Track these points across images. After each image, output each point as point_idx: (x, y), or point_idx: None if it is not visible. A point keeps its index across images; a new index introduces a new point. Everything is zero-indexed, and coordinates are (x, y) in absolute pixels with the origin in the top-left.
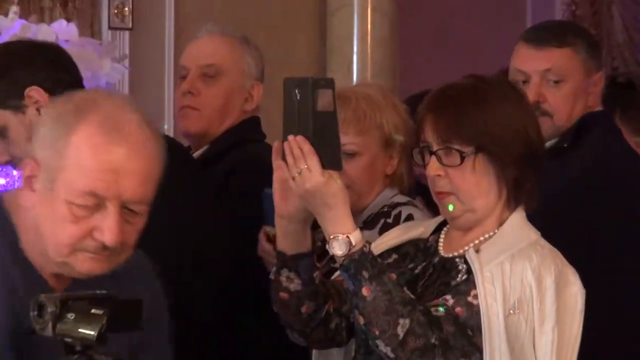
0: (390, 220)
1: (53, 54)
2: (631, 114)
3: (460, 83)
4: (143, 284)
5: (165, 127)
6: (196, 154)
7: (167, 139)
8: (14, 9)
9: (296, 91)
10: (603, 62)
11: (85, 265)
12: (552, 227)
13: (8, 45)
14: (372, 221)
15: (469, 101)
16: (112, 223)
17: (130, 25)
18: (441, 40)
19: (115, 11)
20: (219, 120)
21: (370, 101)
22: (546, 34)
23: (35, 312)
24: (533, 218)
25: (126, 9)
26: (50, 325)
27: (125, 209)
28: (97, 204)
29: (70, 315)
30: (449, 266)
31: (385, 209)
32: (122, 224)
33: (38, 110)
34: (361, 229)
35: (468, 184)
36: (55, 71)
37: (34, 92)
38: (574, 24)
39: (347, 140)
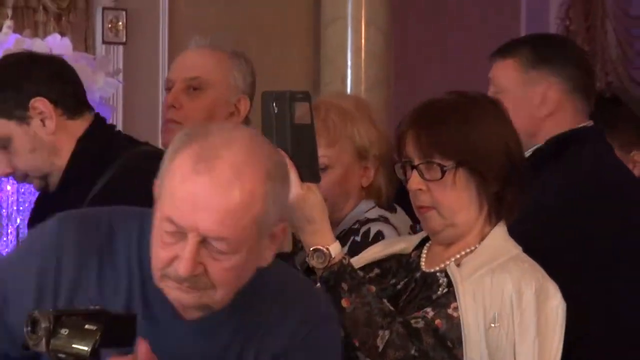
0: (358, 239)
1: (58, 66)
2: (619, 129)
3: (442, 99)
4: (282, 326)
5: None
6: None
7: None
8: (8, 23)
9: (274, 104)
10: (597, 77)
11: (172, 293)
12: (544, 233)
13: (14, 56)
14: (344, 238)
15: (450, 116)
16: (186, 254)
17: (124, 40)
18: (435, 55)
19: (109, 25)
20: None
21: (341, 112)
22: (499, 47)
23: (29, 328)
24: (523, 224)
25: (120, 23)
26: (43, 340)
27: (209, 244)
28: (180, 232)
29: (64, 331)
30: (430, 281)
31: (356, 226)
32: (201, 257)
33: (43, 121)
34: None
35: (449, 198)
36: (61, 84)
37: (39, 103)
38: (537, 35)
39: (318, 152)
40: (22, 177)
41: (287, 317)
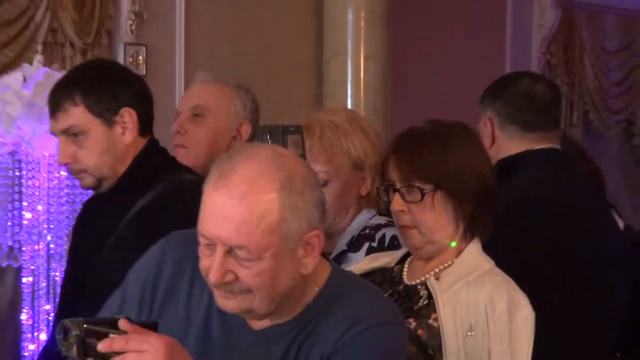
0: (375, 244)
1: (147, 87)
2: None
3: (421, 127)
4: (336, 329)
5: None
6: None
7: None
8: (38, 57)
9: (267, 137)
10: (575, 106)
11: (218, 301)
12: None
13: (114, 64)
14: (356, 243)
15: (429, 143)
16: (214, 263)
17: (144, 73)
18: (429, 87)
19: (131, 59)
20: (206, 157)
21: (336, 129)
22: None
23: (61, 335)
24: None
25: (140, 57)
26: (75, 347)
27: (235, 253)
28: (211, 244)
29: (92, 341)
30: (411, 293)
31: (368, 231)
32: (230, 265)
33: (124, 130)
34: (346, 251)
35: (428, 218)
36: (147, 102)
37: (128, 114)
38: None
39: (317, 168)
40: (77, 171)
41: (341, 320)
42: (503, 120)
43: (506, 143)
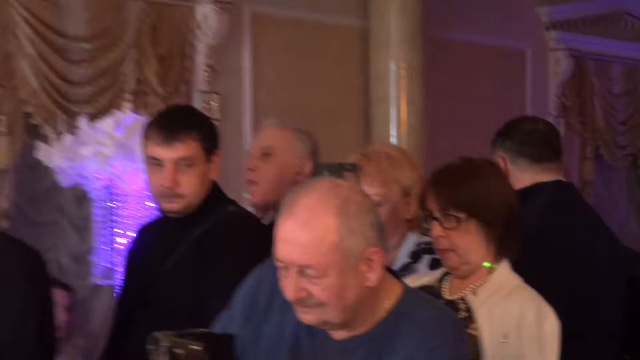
0: (437, 257)
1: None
2: None
3: (455, 164)
4: (403, 349)
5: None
6: (266, 222)
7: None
8: (128, 105)
9: (326, 173)
10: (588, 142)
11: (299, 315)
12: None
13: (189, 107)
14: (416, 256)
15: (463, 177)
16: (287, 283)
17: (218, 117)
18: (461, 128)
19: (206, 105)
20: (273, 190)
21: (389, 158)
22: None
23: (153, 347)
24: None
25: (213, 103)
26: (163, 356)
27: (305, 272)
28: (285, 267)
29: (178, 351)
30: (453, 307)
31: (424, 246)
32: (303, 283)
33: (214, 167)
34: (410, 263)
35: (464, 243)
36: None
37: (218, 154)
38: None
39: (373, 191)
40: (175, 195)
41: (409, 340)
42: (514, 155)
43: (518, 175)
